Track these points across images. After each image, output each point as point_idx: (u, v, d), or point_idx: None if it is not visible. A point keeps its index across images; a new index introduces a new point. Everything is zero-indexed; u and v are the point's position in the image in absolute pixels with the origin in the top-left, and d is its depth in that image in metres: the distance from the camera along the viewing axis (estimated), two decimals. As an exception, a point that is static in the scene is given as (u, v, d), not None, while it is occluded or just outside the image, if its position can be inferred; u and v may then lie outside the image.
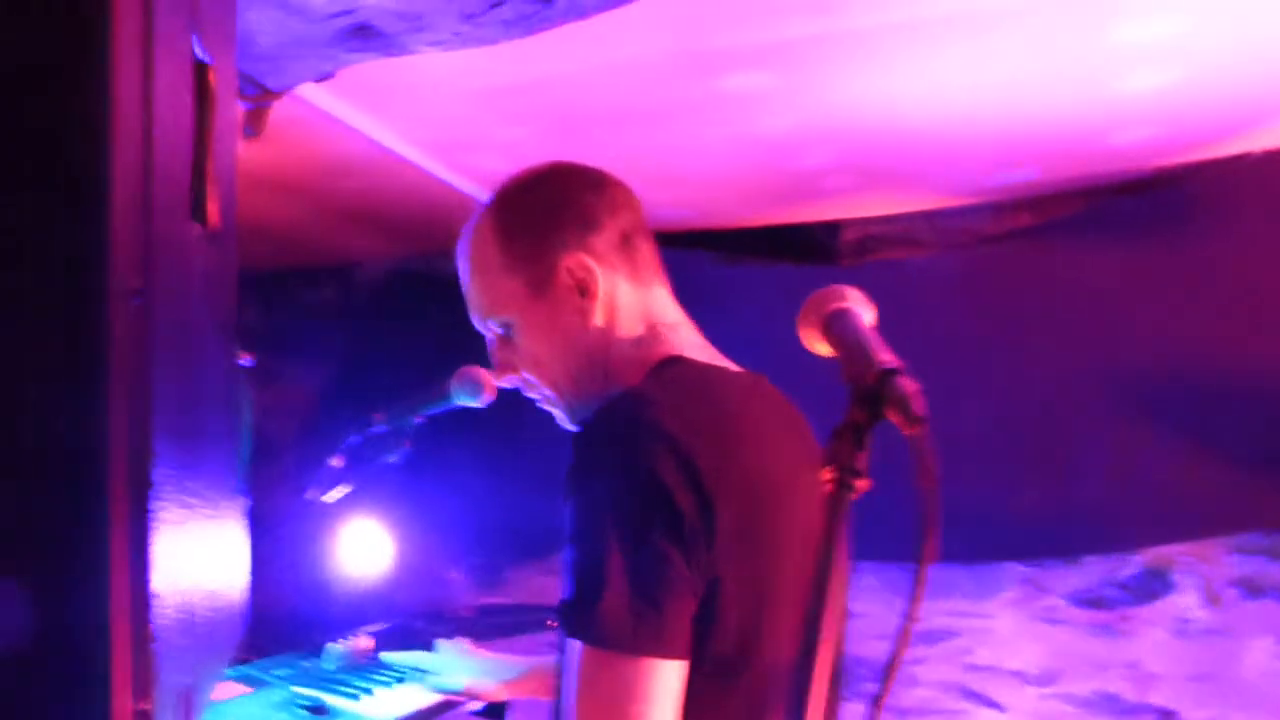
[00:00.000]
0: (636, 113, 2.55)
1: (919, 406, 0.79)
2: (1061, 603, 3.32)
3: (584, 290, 1.25)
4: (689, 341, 1.31)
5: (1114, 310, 3.08)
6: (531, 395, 1.38)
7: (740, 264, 3.52)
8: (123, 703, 0.49)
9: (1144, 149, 2.91)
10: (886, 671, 0.74)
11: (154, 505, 0.51)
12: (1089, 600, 3.30)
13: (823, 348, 0.98)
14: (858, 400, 0.84)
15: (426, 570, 4.11)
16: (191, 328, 0.68)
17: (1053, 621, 3.32)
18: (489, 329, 1.35)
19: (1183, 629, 3.19)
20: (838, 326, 0.94)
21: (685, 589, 1.04)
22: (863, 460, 0.82)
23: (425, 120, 2.65)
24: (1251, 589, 3.14)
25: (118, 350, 0.47)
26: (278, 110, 2.35)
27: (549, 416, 1.37)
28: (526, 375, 1.34)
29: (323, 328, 4.38)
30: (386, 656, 2.11)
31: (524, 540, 3.79)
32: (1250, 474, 2.92)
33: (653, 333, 1.28)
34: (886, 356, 0.86)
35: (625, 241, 1.29)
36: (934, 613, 3.43)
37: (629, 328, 1.28)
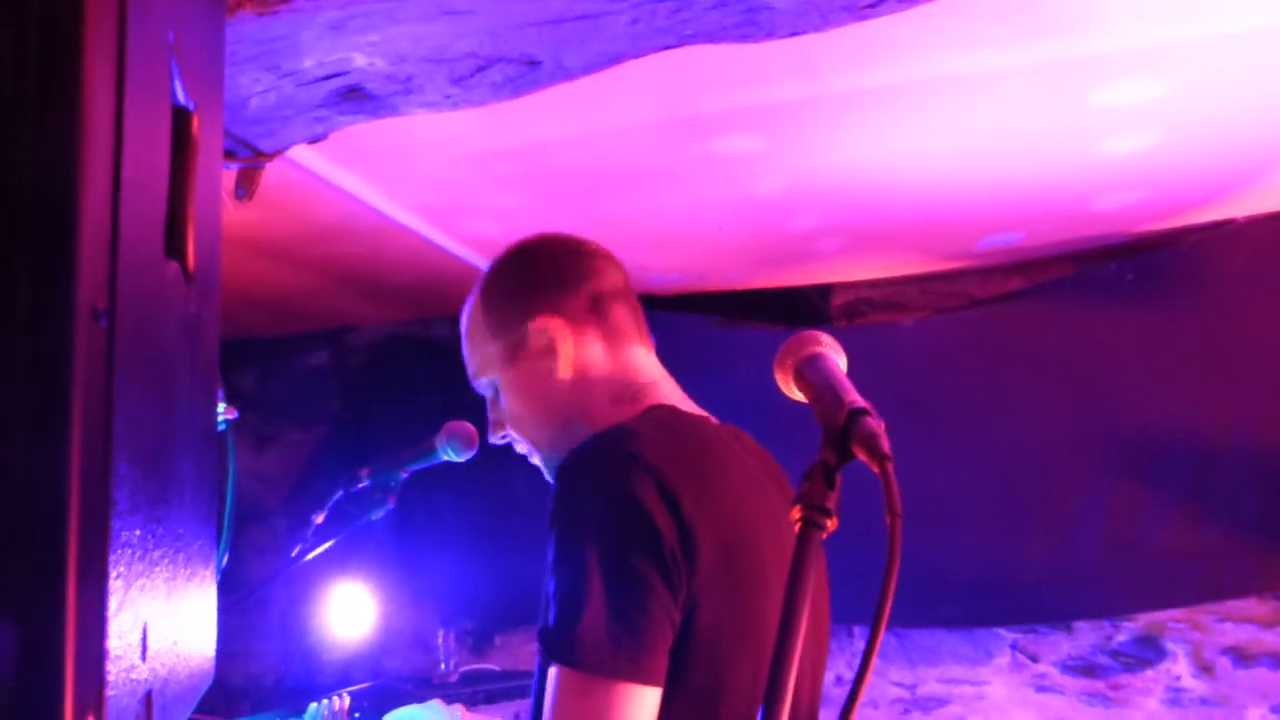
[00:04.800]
0: (628, 176, 2.59)
1: (885, 444, 0.80)
2: (1054, 670, 3.28)
3: (551, 349, 1.31)
4: (672, 395, 1.34)
5: (1105, 374, 3.09)
6: (521, 450, 1.43)
7: (734, 327, 3.55)
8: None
9: (1128, 213, 2.95)
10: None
11: (115, 524, 0.51)
12: (1081, 668, 3.26)
13: (797, 393, 0.99)
14: (828, 440, 0.85)
15: (414, 634, 4.07)
16: (164, 362, 0.69)
17: (1045, 690, 3.28)
18: (481, 389, 1.44)
19: (1175, 698, 3.15)
20: (810, 371, 0.95)
21: (663, 616, 1.05)
22: (833, 499, 0.83)
23: (420, 185, 2.69)
24: (1243, 657, 3.10)
25: (80, 363, 0.48)
26: (275, 175, 2.38)
27: (541, 482, 1.40)
28: (511, 432, 1.40)
29: (317, 393, 4.39)
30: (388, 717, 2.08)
31: (514, 606, 3.75)
32: (1242, 539, 2.91)
33: (632, 390, 1.32)
34: (855, 397, 0.87)
35: (596, 303, 1.34)
36: (926, 679, 3.39)
37: (604, 386, 1.32)
